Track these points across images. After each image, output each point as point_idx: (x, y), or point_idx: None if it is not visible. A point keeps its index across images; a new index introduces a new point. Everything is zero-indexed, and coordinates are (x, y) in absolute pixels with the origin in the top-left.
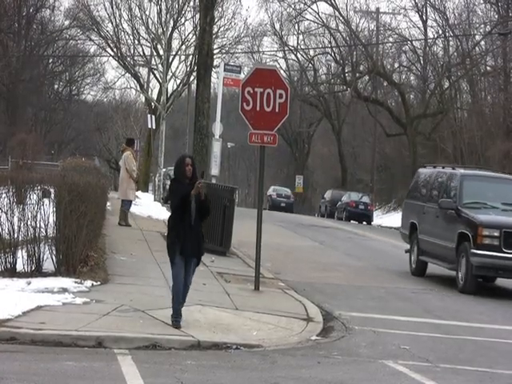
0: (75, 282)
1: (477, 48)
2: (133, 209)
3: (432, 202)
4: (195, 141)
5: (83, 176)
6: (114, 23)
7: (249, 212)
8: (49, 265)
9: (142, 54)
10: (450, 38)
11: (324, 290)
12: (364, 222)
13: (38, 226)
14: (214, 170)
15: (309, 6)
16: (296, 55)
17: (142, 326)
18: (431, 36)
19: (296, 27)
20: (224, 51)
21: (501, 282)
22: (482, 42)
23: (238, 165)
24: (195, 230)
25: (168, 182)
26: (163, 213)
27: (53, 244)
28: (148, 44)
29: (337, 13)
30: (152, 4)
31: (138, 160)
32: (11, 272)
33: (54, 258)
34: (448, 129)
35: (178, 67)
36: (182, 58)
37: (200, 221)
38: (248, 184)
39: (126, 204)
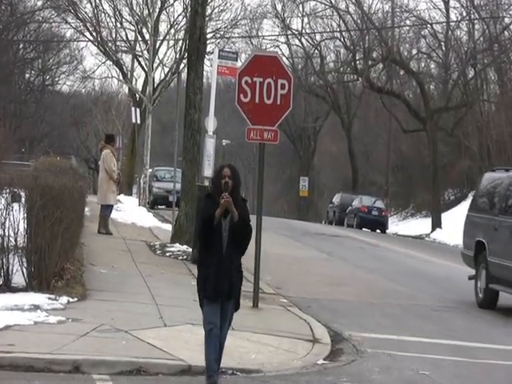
0: (49, 299)
1: (506, 32)
2: (114, 215)
3: (508, 214)
4: (185, 137)
5: (58, 177)
6: (93, 3)
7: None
8: (19, 278)
9: (125, 38)
10: (476, 21)
11: (332, 308)
12: (378, 230)
13: (7, 234)
14: (207, 170)
15: None
16: (300, 40)
17: (124, 348)
18: (454, 18)
19: (300, 8)
20: (218, 36)
21: None
22: None
23: (234, 165)
24: (228, 264)
25: (155, 185)
26: (149, 219)
27: (23, 255)
28: (132, 27)
29: None
30: None
31: (120, 159)
32: None
33: (24, 270)
34: (473, 124)
35: (166, 54)
36: (171, 43)
37: (237, 251)
38: (246, 187)
39: (106, 209)
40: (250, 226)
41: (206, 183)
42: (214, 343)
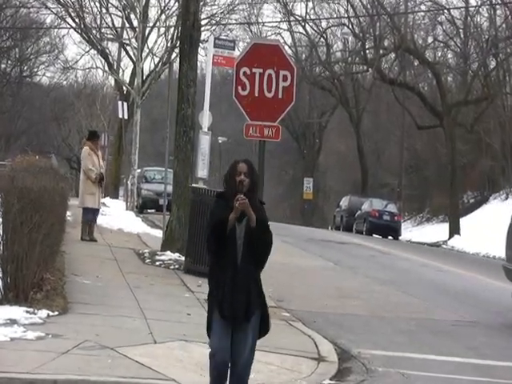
0: (27, 312)
1: None
2: (99, 219)
3: None
4: (178, 134)
5: (37, 178)
6: None
7: None
8: None
9: (111, 25)
10: (497, 6)
11: (339, 322)
12: (390, 237)
13: None
14: (202, 171)
15: None
16: (304, 27)
17: (110, 367)
18: (473, 3)
19: None
20: (214, 22)
21: None
22: None
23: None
24: (245, 277)
25: (144, 187)
26: (137, 224)
27: None
28: (119, 13)
29: None
30: None
31: (105, 158)
32: None
33: None
34: (495, 119)
35: (156, 42)
36: (162, 30)
37: (254, 262)
38: None
39: (87, 213)
40: (270, 233)
41: (201, 185)
42: (219, 375)
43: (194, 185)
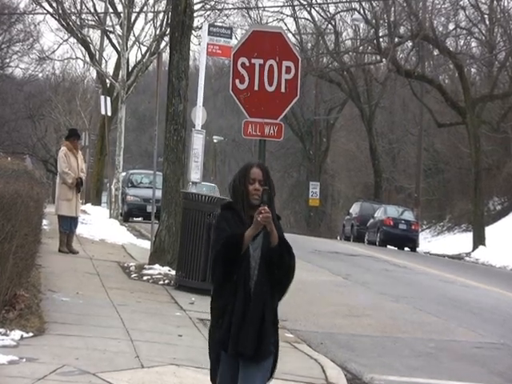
0: None
1: None
2: (80, 229)
3: None
4: (168, 133)
5: (9, 183)
6: None
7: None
8: None
9: (92, 10)
10: None
11: (349, 344)
12: (406, 248)
13: None
14: (195, 173)
15: None
16: (310, 13)
17: None
18: None
19: None
20: (208, 7)
21: None
22: None
23: (228, 166)
24: (260, 309)
25: (129, 192)
26: (122, 234)
27: None
28: None
29: None
30: None
31: (86, 160)
32: None
33: None
34: None
35: (143, 30)
36: (150, 16)
37: (272, 291)
38: None
39: (64, 222)
40: (293, 255)
41: (193, 190)
42: None
43: (185, 190)
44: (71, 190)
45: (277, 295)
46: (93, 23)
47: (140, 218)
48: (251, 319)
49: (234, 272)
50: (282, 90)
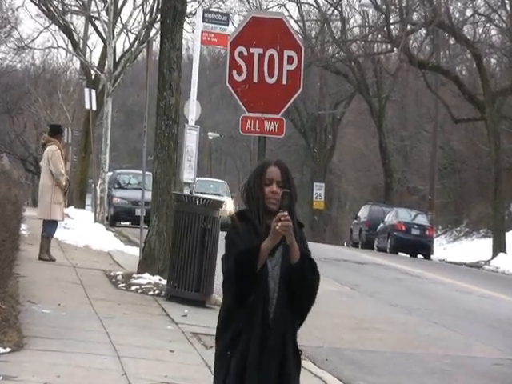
0: None
1: None
2: (62, 234)
3: None
4: (158, 129)
5: None
6: None
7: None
8: None
9: None
10: None
11: (357, 360)
12: (419, 256)
13: None
14: (188, 173)
15: None
16: None
17: None
18: None
19: None
20: None
21: None
22: None
23: (224, 166)
24: (280, 337)
25: (116, 194)
26: (108, 240)
27: None
28: None
29: None
30: None
31: (69, 159)
32: None
33: None
34: None
35: (131, 16)
36: (139, 1)
37: (293, 315)
38: (230, 196)
39: (50, 226)
40: (318, 274)
41: (187, 191)
42: None
43: (178, 191)
44: (61, 192)
45: (297, 319)
46: (76, 9)
47: (128, 223)
48: (272, 350)
49: (249, 294)
50: (284, 82)
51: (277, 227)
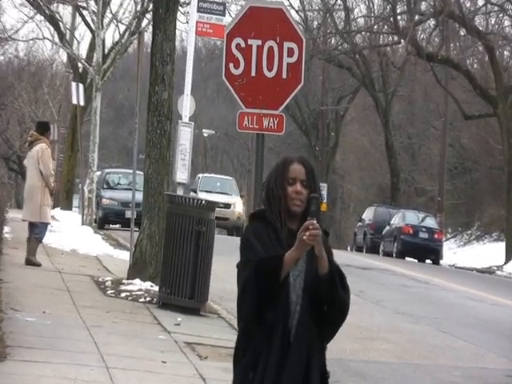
0: None
1: None
2: (47, 237)
3: None
4: (150, 126)
5: None
6: None
7: (238, 241)
8: None
9: None
10: None
11: (362, 372)
12: (428, 260)
13: None
14: (181, 173)
15: None
16: None
17: None
18: None
19: None
20: None
21: None
22: None
23: (220, 164)
24: (304, 360)
25: (105, 195)
26: (97, 244)
27: None
28: None
29: None
30: None
31: (55, 157)
32: None
33: None
34: None
35: (121, 5)
36: None
37: (319, 333)
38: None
39: (43, 230)
40: (348, 287)
41: (180, 192)
42: None
43: (170, 192)
44: (49, 193)
45: (324, 339)
46: None
47: (117, 225)
48: (291, 375)
49: (269, 309)
50: (284, 75)
51: (304, 237)
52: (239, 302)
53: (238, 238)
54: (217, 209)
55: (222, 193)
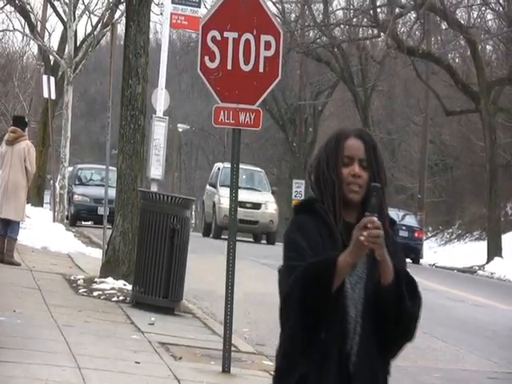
0: None
1: None
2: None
3: None
4: (123, 120)
5: None
6: None
7: (214, 241)
8: None
9: None
10: None
11: None
12: (408, 259)
13: None
14: (155, 169)
15: None
16: None
17: None
18: None
19: None
20: None
21: None
22: None
23: (195, 161)
24: (367, 379)
25: (77, 191)
26: (68, 241)
27: None
28: None
29: None
30: None
31: None
32: None
33: None
34: None
35: None
36: None
37: (383, 350)
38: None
39: (17, 227)
40: (420, 299)
41: (154, 188)
42: None
43: (144, 188)
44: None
45: (389, 356)
46: None
47: (90, 222)
48: None
49: (320, 325)
50: (261, 69)
51: (361, 237)
52: (281, 318)
53: (271, 246)
54: (243, 210)
55: (249, 188)
